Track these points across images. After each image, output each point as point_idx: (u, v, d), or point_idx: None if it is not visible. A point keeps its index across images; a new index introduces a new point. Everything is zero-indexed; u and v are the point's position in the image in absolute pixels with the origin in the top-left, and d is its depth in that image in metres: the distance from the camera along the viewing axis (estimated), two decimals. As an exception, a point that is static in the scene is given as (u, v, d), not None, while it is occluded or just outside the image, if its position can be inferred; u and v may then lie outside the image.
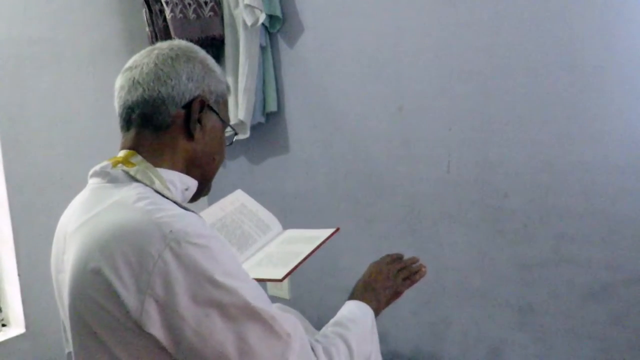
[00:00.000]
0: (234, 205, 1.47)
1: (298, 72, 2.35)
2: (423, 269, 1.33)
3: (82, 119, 2.33)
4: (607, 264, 1.74)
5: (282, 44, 2.37)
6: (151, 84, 1.03)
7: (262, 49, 2.35)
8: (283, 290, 2.49)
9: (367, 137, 2.19)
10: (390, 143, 2.13)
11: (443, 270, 2.06)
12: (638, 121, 1.65)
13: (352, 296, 1.27)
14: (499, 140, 1.88)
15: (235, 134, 1.23)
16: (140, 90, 1.03)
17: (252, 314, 0.91)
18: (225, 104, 1.15)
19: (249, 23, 2.23)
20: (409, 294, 2.13)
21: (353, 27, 2.16)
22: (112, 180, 1.00)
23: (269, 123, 2.45)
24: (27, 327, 2.17)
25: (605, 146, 1.70)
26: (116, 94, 1.08)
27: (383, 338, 2.20)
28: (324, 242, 1.41)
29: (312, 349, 0.99)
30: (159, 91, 1.03)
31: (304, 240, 1.43)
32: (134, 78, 1.04)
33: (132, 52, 1.15)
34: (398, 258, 1.36)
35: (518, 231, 1.88)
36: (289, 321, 0.97)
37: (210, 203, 1.55)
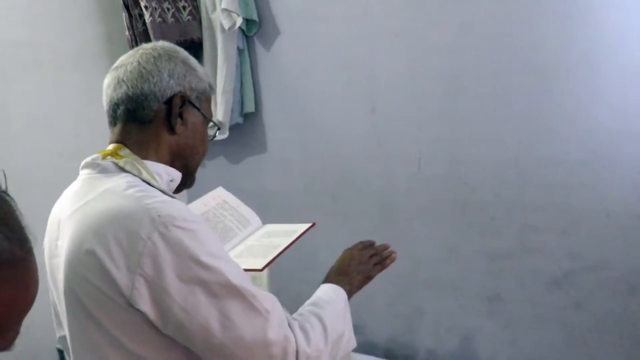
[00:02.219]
0: (215, 201, 1.54)
1: (275, 74, 2.42)
2: (393, 255, 1.40)
3: (63, 119, 2.37)
4: (568, 253, 1.84)
5: (259, 47, 2.44)
6: (134, 81, 1.10)
7: (240, 51, 2.42)
8: (262, 284, 2.55)
9: (341, 137, 2.27)
10: (364, 142, 2.21)
11: (416, 263, 2.15)
12: (595, 118, 1.76)
13: (327, 279, 1.32)
14: (467, 137, 1.98)
15: (218, 128, 1.30)
16: (125, 87, 1.10)
17: (234, 292, 0.98)
18: (207, 101, 1.21)
19: (226, 26, 2.29)
20: (383, 286, 2.22)
21: (328, 31, 2.24)
22: (103, 170, 1.07)
23: (247, 123, 2.52)
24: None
25: (565, 143, 1.80)
26: (104, 91, 1.15)
27: (359, 330, 2.28)
28: (301, 235, 1.47)
29: (289, 325, 1.06)
30: (142, 88, 1.10)
31: (282, 234, 1.49)
32: (119, 76, 1.11)
33: (112, 55, 1.21)
34: (370, 245, 1.43)
35: (486, 224, 1.97)
36: (268, 298, 1.04)
37: (191, 200, 1.61)
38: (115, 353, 0.98)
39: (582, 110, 1.77)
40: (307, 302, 1.22)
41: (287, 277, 2.46)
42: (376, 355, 2.25)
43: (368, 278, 1.34)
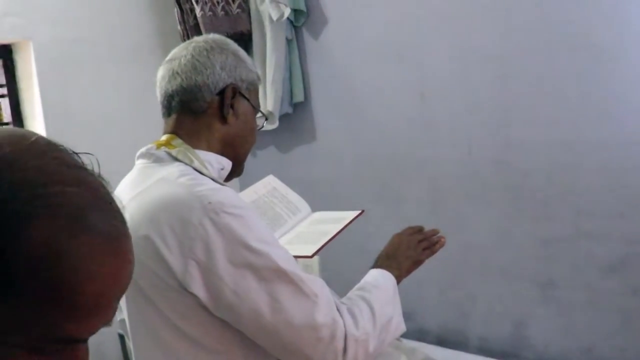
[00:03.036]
0: (266, 188, 1.58)
1: (323, 63, 2.44)
2: (442, 239, 1.39)
3: (121, 114, 2.47)
4: (625, 238, 1.79)
5: (307, 37, 2.47)
6: (188, 73, 1.14)
7: (288, 42, 2.45)
8: (314, 271, 2.59)
9: (390, 124, 2.28)
10: (413, 128, 2.21)
11: (467, 249, 2.14)
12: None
13: (376, 264, 1.33)
14: (518, 121, 1.95)
15: (266, 119, 1.33)
16: (179, 79, 1.15)
17: (283, 276, 1.02)
18: (256, 92, 1.25)
19: (274, 18, 2.33)
20: (434, 273, 2.22)
21: (374, 18, 2.24)
22: (157, 160, 1.12)
23: (297, 113, 2.55)
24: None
25: (619, 123, 1.76)
26: (158, 83, 1.20)
27: (410, 316, 2.29)
28: (350, 222, 1.49)
29: (337, 309, 1.09)
30: (196, 80, 1.14)
31: (331, 221, 1.52)
32: (173, 69, 1.16)
33: (165, 50, 1.26)
34: (419, 229, 1.43)
35: (538, 209, 1.95)
36: (317, 283, 1.07)
37: (242, 188, 1.65)
38: (171, 334, 1.04)
39: (637, 90, 1.72)
40: (356, 286, 1.24)
41: (338, 265, 2.49)
42: (428, 342, 2.25)
43: (417, 263, 1.35)
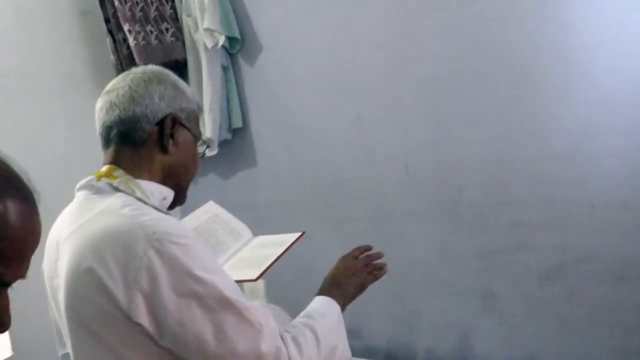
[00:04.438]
0: (207, 215, 1.58)
1: (260, 88, 2.46)
2: (385, 267, 1.42)
3: (54, 145, 2.40)
4: (557, 246, 1.88)
5: (242, 64, 2.49)
6: (126, 104, 1.14)
7: (224, 69, 2.46)
8: (260, 295, 2.58)
9: (330, 146, 2.31)
10: (352, 149, 2.26)
11: (410, 265, 2.18)
12: (575, 114, 1.81)
13: (321, 291, 1.34)
14: (452, 139, 2.03)
15: (207, 146, 1.34)
16: (117, 111, 1.14)
17: (228, 305, 1.02)
18: (196, 120, 1.26)
19: (209, 46, 2.34)
20: (379, 289, 2.23)
21: (309, 44, 2.29)
22: (98, 191, 1.11)
23: (236, 139, 2.55)
24: (13, 350, 2.23)
25: (544, 139, 1.85)
26: (96, 115, 1.18)
27: (358, 333, 2.32)
28: (292, 244, 1.51)
29: (282, 338, 1.09)
30: (134, 111, 1.13)
31: (273, 245, 1.53)
32: (112, 100, 1.15)
33: (99, 80, 1.25)
34: (366, 249, 1.45)
35: (475, 222, 2.02)
36: (261, 312, 1.08)
37: (184, 216, 1.64)
38: None
39: (562, 106, 1.82)
40: (301, 314, 1.25)
41: (284, 287, 2.49)
42: (376, 359, 2.28)
43: (361, 288, 1.36)
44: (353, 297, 1.35)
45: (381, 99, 2.15)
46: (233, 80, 2.49)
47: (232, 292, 1.04)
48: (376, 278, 1.39)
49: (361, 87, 2.19)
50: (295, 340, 1.11)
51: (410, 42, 2.05)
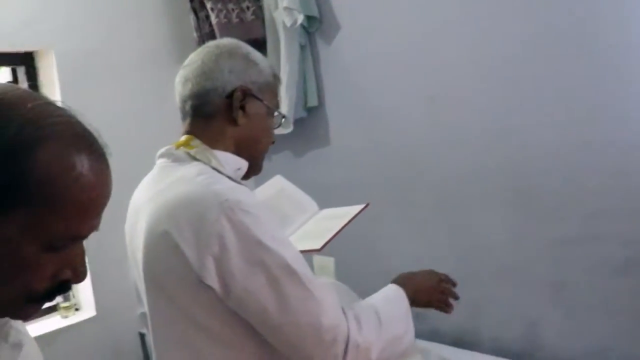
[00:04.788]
0: (274, 188, 1.62)
1: (336, 67, 2.48)
2: (451, 310, 1.41)
3: (139, 119, 2.52)
4: (634, 239, 1.80)
5: (320, 43, 2.51)
6: (198, 79, 1.19)
7: (302, 47, 2.50)
8: (329, 272, 2.63)
9: (402, 127, 2.31)
10: (425, 132, 2.24)
11: (479, 251, 2.16)
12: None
13: (397, 281, 1.35)
14: (530, 123, 1.97)
15: (283, 117, 1.36)
16: (190, 85, 1.20)
17: (293, 276, 1.05)
18: (271, 92, 1.28)
19: (288, 24, 2.37)
20: (447, 274, 2.24)
21: (386, 23, 2.28)
22: (176, 159, 1.17)
23: (311, 117, 2.59)
24: (97, 310, 2.39)
25: (625, 125, 1.77)
26: (175, 88, 1.25)
27: (423, 316, 2.31)
28: (356, 215, 1.52)
29: (344, 313, 1.12)
30: (204, 85, 1.19)
31: (337, 216, 1.55)
32: (186, 75, 1.22)
33: (182, 56, 1.31)
34: (453, 284, 1.44)
35: (548, 211, 1.96)
36: (324, 286, 1.11)
37: (253, 189, 1.70)
38: (190, 328, 1.08)
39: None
40: (371, 295, 1.27)
41: (351, 266, 2.53)
42: (442, 342, 2.28)
43: (427, 305, 1.38)
44: (417, 306, 1.34)
45: (455, 81, 2.12)
46: (310, 59, 2.53)
47: (298, 264, 1.07)
48: (440, 308, 1.41)
49: (436, 69, 2.16)
50: (357, 318, 1.13)
51: (486, 24, 2.01)
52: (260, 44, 2.56)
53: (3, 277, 0.66)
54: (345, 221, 1.45)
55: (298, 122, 2.59)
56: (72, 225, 0.68)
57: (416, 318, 2.29)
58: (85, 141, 0.70)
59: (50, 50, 2.32)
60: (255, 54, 1.27)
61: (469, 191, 2.17)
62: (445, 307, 1.39)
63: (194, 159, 1.15)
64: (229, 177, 1.13)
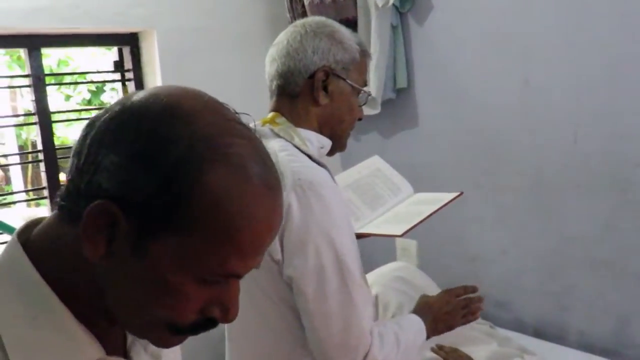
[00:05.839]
0: (369, 169, 1.64)
1: (427, 49, 2.45)
2: (479, 314, 1.39)
3: (233, 101, 2.59)
4: None
5: (412, 23, 2.48)
6: (283, 59, 1.23)
7: (393, 28, 2.48)
8: (411, 255, 2.63)
9: (493, 110, 2.25)
10: (517, 115, 2.18)
11: (569, 241, 2.09)
12: None
13: (417, 312, 1.36)
14: (629, 110, 1.87)
15: (369, 94, 1.37)
16: (276, 64, 1.24)
17: (342, 269, 1.08)
18: (358, 69, 1.28)
19: (380, 4, 2.37)
20: (534, 263, 2.19)
21: (480, 5, 2.22)
22: (261, 135, 1.21)
23: (399, 99, 2.58)
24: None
25: None
26: (266, 67, 1.29)
27: (508, 306, 2.28)
28: (446, 204, 1.51)
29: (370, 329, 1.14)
30: (289, 65, 1.22)
31: (428, 202, 1.55)
32: (273, 54, 1.26)
33: (274, 37, 1.35)
34: (473, 291, 1.41)
35: (647, 202, 1.86)
36: (366, 294, 1.13)
37: (345, 169, 1.72)
38: (256, 290, 1.14)
39: None
40: (392, 319, 1.29)
41: (435, 250, 2.52)
42: (525, 333, 2.23)
43: (450, 328, 1.37)
44: (438, 333, 1.36)
45: (551, 64, 2.03)
46: (401, 40, 2.51)
47: (351, 259, 1.10)
48: (467, 322, 1.39)
49: (531, 52, 2.09)
50: (380, 336, 1.16)
51: (585, 4, 1.91)
52: (352, 24, 2.56)
53: (148, 300, 0.61)
54: (435, 208, 1.45)
55: (386, 104, 2.58)
56: (229, 262, 0.61)
57: (499, 306, 2.28)
58: (261, 170, 0.62)
59: (152, 30, 2.44)
60: (342, 32, 1.27)
61: (561, 179, 2.09)
62: (470, 320, 1.39)
63: (278, 135, 1.19)
64: (310, 156, 1.17)
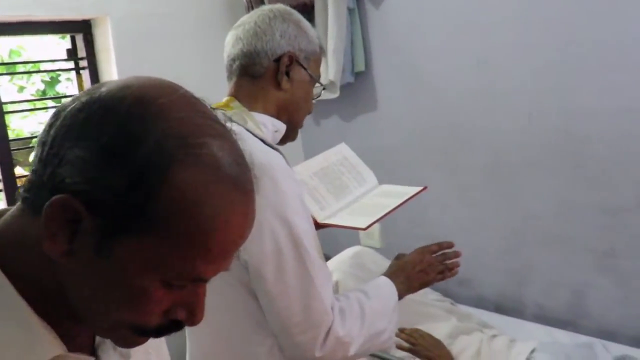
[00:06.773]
0: (337, 157, 1.64)
1: (384, 32, 2.46)
2: (456, 269, 1.39)
3: (189, 86, 2.57)
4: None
5: (368, 6, 2.49)
6: (250, 39, 1.22)
7: (350, 11, 2.48)
8: (375, 240, 2.65)
9: (450, 92, 2.29)
10: (473, 96, 2.21)
11: (525, 218, 2.14)
12: None
13: (388, 272, 1.36)
14: (581, 88, 1.92)
15: (323, 89, 1.38)
16: (241, 44, 1.23)
17: (299, 249, 1.09)
18: (316, 62, 1.30)
19: (336, -13, 2.37)
20: (493, 240, 2.24)
21: (435, -14, 2.24)
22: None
23: (358, 82, 2.59)
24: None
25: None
26: (225, 48, 1.29)
27: (468, 283, 2.34)
28: (411, 197, 1.52)
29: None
30: (255, 45, 1.22)
31: (393, 195, 1.56)
32: (237, 34, 1.25)
33: (231, 23, 1.34)
34: (447, 247, 1.40)
35: (599, 177, 1.92)
36: (324, 273, 1.14)
37: (307, 156, 1.72)
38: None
39: None
40: (360, 287, 1.30)
41: (396, 232, 2.55)
42: (486, 309, 2.29)
43: (426, 285, 1.37)
44: (414, 291, 1.36)
45: (506, 43, 2.07)
46: (358, 23, 2.51)
47: (307, 239, 1.10)
48: (444, 278, 1.39)
49: (485, 31, 2.12)
50: (342, 311, 1.17)
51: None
52: (308, 8, 2.56)
53: (112, 301, 0.59)
54: (399, 202, 1.46)
55: (345, 87, 2.59)
56: (197, 266, 0.58)
57: (460, 284, 2.33)
58: (234, 172, 0.59)
59: (106, 17, 2.39)
60: (306, 23, 1.30)
61: (518, 158, 2.14)
62: (446, 276, 1.38)
63: (230, 120, 1.19)
64: (263, 140, 1.17)
